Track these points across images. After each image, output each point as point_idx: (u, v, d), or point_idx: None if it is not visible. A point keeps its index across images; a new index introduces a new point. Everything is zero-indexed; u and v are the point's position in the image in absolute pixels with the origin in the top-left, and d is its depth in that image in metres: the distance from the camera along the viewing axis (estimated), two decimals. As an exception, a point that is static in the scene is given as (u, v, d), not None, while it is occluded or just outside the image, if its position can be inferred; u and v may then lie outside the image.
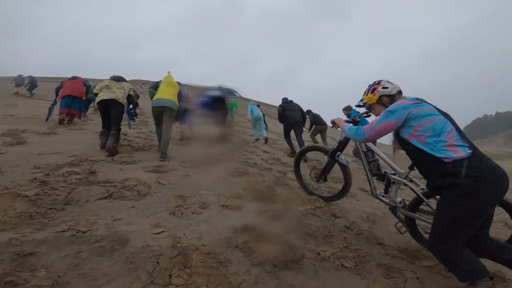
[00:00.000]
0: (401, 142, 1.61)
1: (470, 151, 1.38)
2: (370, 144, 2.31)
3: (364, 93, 1.98)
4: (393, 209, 2.09)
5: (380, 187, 2.25)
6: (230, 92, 5.64)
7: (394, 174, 2.10)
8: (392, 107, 1.58)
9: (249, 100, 11.85)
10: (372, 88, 1.90)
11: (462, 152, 1.37)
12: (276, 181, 3.24)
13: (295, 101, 6.09)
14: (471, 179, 1.30)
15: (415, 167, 1.84)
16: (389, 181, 2.12)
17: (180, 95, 4.28)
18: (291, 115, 5.81)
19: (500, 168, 1.35)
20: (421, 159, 1.51)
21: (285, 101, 6.06)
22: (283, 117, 5.89)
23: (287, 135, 5.97)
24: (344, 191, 2.60)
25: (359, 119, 2.52)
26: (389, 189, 2.13)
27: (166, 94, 3.92)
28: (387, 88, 1.83)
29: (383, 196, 2.16)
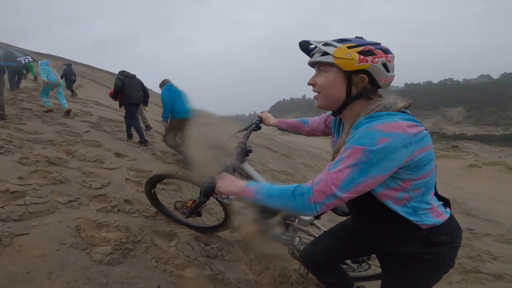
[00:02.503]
0: (359, 198, 0.84)
1: (448, 208, 1.01)
2: (250, 170, 1.62)
3: (337, 42, 0.90)
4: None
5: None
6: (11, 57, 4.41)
7: (294, 220, 1.72)
8: (379, 138, 0.75)
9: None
10: (369, 48, 0.87)
11: (444, 215, 0.96)
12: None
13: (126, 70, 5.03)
14: (450, 246, 0.97)
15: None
16: (287, 225, 1.75)
17: None
18: (133, 95, 4.84)
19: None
20: (384, 221, 0.97)
21: (127, 74, 4.95)
22: (121, 94, 4.82)
23: (133, 118, 4.87)
24: (225, 224, 2.00)
25: (257, 124, 1.69)
26: (286, 232, 1.75)
27: None
28: (389, 72, 0.89)
29: (280, 236, 1.75)
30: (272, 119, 1.73)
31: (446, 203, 1.02)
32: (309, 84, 0.98)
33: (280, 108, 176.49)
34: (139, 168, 3.25)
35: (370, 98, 0.91)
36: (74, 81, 9.86)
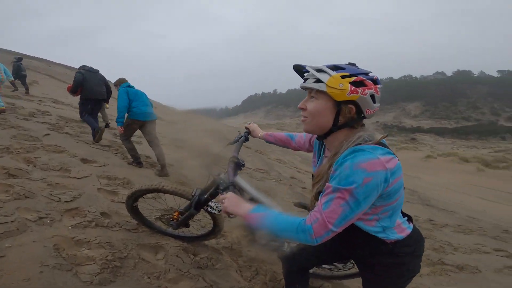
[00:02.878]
0: None
1: (411, 224, 1.13)
2: (254, 193, 1.47)
3: (342, 69, 0.93)
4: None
5: None
6: None
7: None
8: (364, 178, 0.83)
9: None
10: (361, 79, 0.91)
11: (407, 230, 1.08)
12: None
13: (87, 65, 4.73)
14: (411, 256, 1.08)
15: None
16: None
17: None
18: (94, 90, 4.51)
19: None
20: (355, 236, 1.06)
21: (89, 69, 4.59)
22: (81, 89, 4.46)
23: (89, 113, 4.54)
24: (213, 233, 1.96)
25: (246, 136, 1.70)
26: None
27: None
28: (375, 104, 0.94)
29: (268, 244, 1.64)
30: (259, 131, 1.74)
31: (409, 218, 1.15)
32: (300, 108, 1.01)
33: (251, 102, 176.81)
34: (111, 175, 3.04)
35: (354, 127, 0.97)
36: (25, 76, 8.97)
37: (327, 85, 0.90)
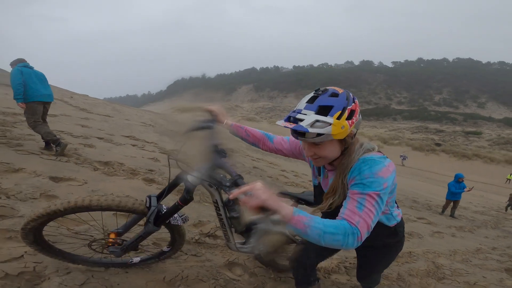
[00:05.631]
0: None
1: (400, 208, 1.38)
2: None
3: (332, 109, 0.97)
4: (259, 256, 1.92)
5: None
6: None
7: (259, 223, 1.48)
8: (384, 183, 0.98)
9: None
10: (350, 109, 1.00)
11: (400, 213, 1.35)
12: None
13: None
14: (403, 233, 1.39)
15: None
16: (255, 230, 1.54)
17: None
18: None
19: None
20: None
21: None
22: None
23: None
24: (174, 249, 1.66)
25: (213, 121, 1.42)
26: (249, 239, 1.55)
27: None
28: (359, 117, 1.07)
29: (243, 247, 1.57)
30: (225, 118, 1.48)
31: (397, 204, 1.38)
32: (309, 156, 1.12)
33: (178, 86, 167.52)
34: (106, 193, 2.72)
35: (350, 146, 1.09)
36: None
37: (332, 134, 0.97)
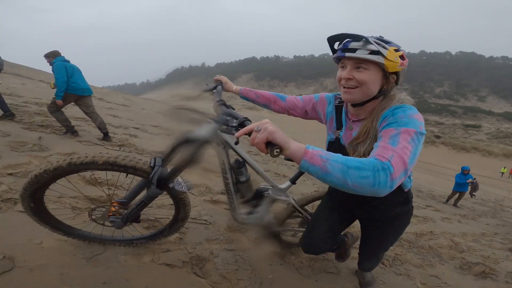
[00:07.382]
0: None
1: None
2: (242, 152, 1.30)
3: (390, 43, 0.99)
4: (265, 227, 1.65)
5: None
6: None
7: (267, 190, 1.47)
8: (420, 126, 0.88)
9: None
10: (403, 53, 1.00)
11: (411, 178, 1.21)
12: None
13: None
14: (412, 201, 1.29)
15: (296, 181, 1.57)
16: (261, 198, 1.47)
17: None
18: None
19: None
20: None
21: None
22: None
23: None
24: (176, 223, 1.51)
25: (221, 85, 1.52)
26: (257, 208, 1.46)
27: None
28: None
29: (249, 217, 1.45)
30: (233, 85, 1.55)
31: None
32: (346, 78, 1.00)
33: (178, 75, 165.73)
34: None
35: (388, 93, 1.04)
36: None
37: (385, 57, 0.94)
